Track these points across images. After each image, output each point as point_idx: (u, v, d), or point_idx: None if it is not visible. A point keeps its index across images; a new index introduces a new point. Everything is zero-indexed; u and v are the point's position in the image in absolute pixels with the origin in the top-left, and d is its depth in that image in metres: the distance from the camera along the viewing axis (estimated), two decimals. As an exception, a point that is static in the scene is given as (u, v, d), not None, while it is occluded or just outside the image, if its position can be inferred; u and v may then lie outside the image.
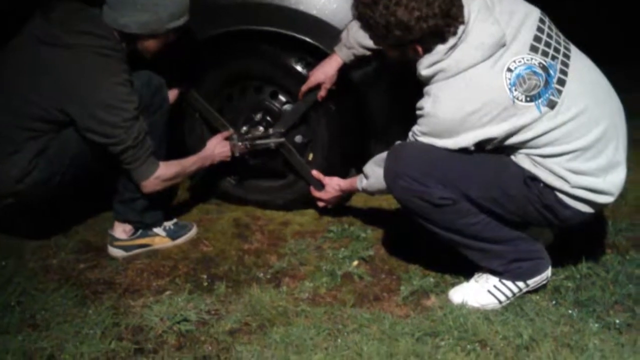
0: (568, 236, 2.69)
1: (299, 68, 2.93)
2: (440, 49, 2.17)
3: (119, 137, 2.54)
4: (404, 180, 2.31)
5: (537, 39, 2.22)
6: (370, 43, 2.51)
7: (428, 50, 2.19)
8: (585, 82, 2.27)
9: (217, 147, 2.96)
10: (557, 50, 2.24)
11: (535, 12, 2.30)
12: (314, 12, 2.81)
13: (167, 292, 2.59)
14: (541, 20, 2.27)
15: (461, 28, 2.15)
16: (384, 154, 2.45)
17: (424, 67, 2.22)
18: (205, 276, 2.71)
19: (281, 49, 2.92)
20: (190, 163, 2.85)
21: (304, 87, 2.88)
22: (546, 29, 2.26)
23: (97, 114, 2.51)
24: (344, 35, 2.72)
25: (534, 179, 2.25)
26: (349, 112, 3.02)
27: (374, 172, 2.54)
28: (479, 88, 2.15)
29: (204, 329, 2.38)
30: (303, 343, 2.27)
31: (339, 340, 2.29)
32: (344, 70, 2.81)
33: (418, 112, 2.28)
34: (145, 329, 2.37)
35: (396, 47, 2.24)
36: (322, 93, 2.87)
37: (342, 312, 2.46)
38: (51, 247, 2.90)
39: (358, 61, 2.76)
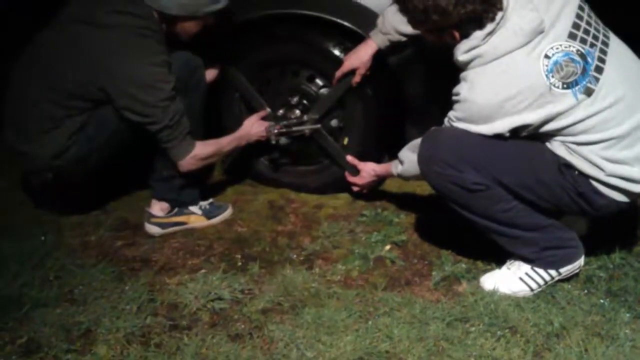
0: (602, 226, 2.67)
1: (336, 52, 2.93)
2: (478, 34, 2.16)
3: (155, 117, 2.58)
4: (438, 165, 2.32)
5: (575, 26, 2.20)
6: (406, 29, 2.51)
7: (465, 35, 2.19)
8: (623, 70, 2.25)
9: (254, 127, 2.98)
10: (595, 37, 2.23)
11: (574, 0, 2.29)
12: (352, -4, 2.82)
13: (202, 271, 2.63)
14: (580, 8, 2.25)
15: (499, 14, 2.14)
16: (419, 140, 2.45)
17: (462, 52, 2.22)
18: (239, 256, 2.75)
19: (319, 33, 2.93)
20: (226, 142, 2.88)
21: (338, 73, 2.89)
22: (585, 17, 2.24)
23: (135, 94, 2.55)
24: (379, 20, 2.72)
25: (569, 166, 2.24)
26: (385, 97, 3.02)
27: (409, 158, 2.54)
28: (516, 74, 2.15)
29: (237, 308, 2.41)
30: (334, 324, 2.29)
31: (370, 323, 2.31)
32: (381, 56, 2.81)
33: (454, 98, 2.28)
34: (180, 306, 2.42)
35: (434, 31, 2.25)
36: (356, 79, 2.87)
37: (374, 295, 2.48)
38: (90, 224, 2.96)
39: (393, 47, 2.76)
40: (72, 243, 2.82)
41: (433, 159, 2.34)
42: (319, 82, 3.07)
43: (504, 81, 2.16)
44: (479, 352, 2.17)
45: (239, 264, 2.70)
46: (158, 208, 2.91)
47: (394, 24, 2.64)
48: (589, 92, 2.16)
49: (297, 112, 3.09)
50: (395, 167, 2.69)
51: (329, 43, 2.94)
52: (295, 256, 2.76)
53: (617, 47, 2.30)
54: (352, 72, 2.86)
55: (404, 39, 2.68)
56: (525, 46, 2.14)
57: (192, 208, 2.96)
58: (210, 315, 2.38)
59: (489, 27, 2.15)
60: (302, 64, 3.06)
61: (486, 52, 2.17)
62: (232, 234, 2.93)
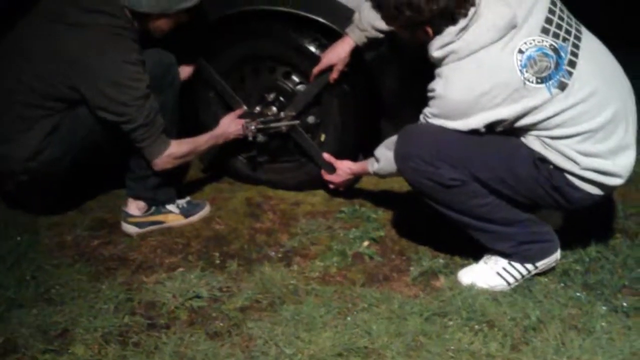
0: (577, 220, 2.69)
1: (312, 49, 2.93)
2: (451, 30, 2.17)
3: (130, 116, 2.57)
4: (414, 161, 2.33)
5: (548, 20, 2.22)
6: (382, 25, 2.52)
7: (438, 32, 2.20)
8: (596, 64, 2.27)
9: (231, 126, 2.96)
10: (568, 32, 2.24)
11: (546, -6, 2.30)
12: (327, -8, 2.82)
13: (180, 269, 2.62)
14: (552, 2, 2.27)
15: (472, 10, 2.15)
16: (395, 137, 2.45)
17: (436, 48, 2.23)
18: (217, 254, 2.74)
19: (295, 29, 2.93)
20: (203, 141, 2.87)
21: (316, 70, 2.88)
22: (557, 11, 2.26)
23: (108, 93, 2.53)
24: (356, 17, 2.72)
25: (544, 160, 2.26)
26: (361, 93, 3.02)
27: (385, 156, 2.55)
28: (490, 69, 2.16)
29: (216, 306, 2.41)
30: (313, 321, 2.29)
31: (349, 319, 2.32)
32: (357, 52, 2.82)
33: (429, 94, 2.29)
34: (158, 305, 2.41)
35: (407, 28, 2.25)
36: (333, 75, 2.87)
37: (352, 291, 2.48)
38: (66, 224, 2.94)
39: (370, 43, 2.76)
40: (48, 243, 2.80)
41: (409, 156, 2.35)
42: (296, 78, 3.07)
43: (478, 77, 2.17)
44: (457, 346, 2.18)
45: (217, 261, 2.69)
46: (134, 207, 2.89)
47: (370, 21, 2.64)
48: (562, 87, 2.18)
49: (274, 109, 3.08)
50: (371, 165, 2.70)
51: (305, 40, 2.94)
52: (273, 253, 2.75)
53: (590, 42, 2.31)
54: (330, 68, 2.86)
55: (380, 35, 2.68)
56: (499, 41, 2.16)
57: (170, 207, 2.94)
58: (188, 313, 2.38)
59: (462, 23, 2.16)
60: (278, 61, 3.05)
61: (460, 48, 2.18)
62: (210, 231, 2.92)
